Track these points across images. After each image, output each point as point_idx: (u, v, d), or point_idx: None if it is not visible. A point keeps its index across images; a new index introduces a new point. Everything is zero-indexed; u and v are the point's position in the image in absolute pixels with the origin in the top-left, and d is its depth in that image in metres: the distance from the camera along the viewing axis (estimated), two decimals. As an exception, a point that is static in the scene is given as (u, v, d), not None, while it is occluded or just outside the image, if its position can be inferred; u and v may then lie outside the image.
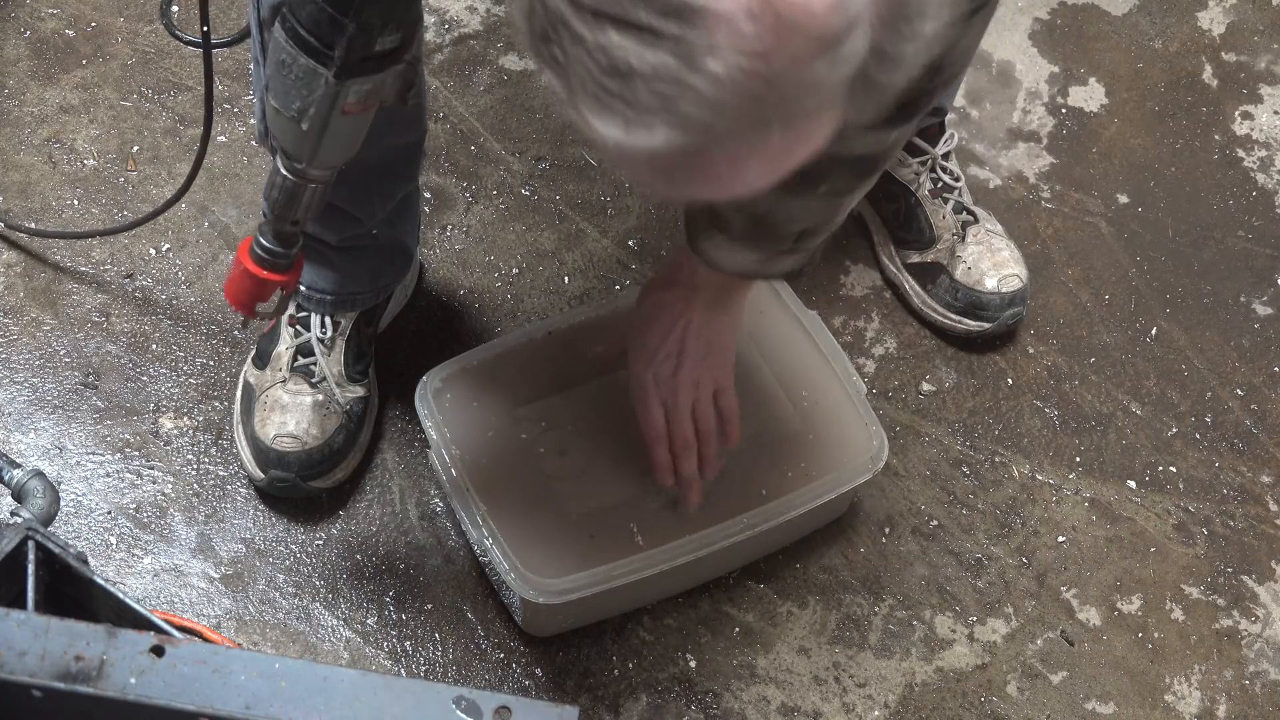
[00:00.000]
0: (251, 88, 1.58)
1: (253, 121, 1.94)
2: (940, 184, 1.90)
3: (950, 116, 2.03)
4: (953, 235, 1.88)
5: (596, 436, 1.68)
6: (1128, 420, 1.85)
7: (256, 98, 1.61)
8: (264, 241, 1.34)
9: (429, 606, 1.66)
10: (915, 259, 1.90)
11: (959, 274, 1.86)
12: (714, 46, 0.81)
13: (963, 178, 1.92)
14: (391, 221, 1.67)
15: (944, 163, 1.90)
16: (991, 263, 1.85)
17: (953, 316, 1.87)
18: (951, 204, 1.89)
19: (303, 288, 1.68)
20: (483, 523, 1.58)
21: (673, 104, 0.83)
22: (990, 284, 1.84)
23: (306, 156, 1.26)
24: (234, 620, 1.64)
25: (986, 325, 1.85)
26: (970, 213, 1.89)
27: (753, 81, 0.82)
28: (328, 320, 1.70)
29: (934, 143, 1.90)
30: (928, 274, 1.89)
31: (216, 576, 1.67)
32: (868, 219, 1.96)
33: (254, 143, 1.95)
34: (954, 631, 1.69)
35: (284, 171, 1.29)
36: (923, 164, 1.90)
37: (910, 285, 1.90)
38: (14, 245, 1.87)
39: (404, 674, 1.62)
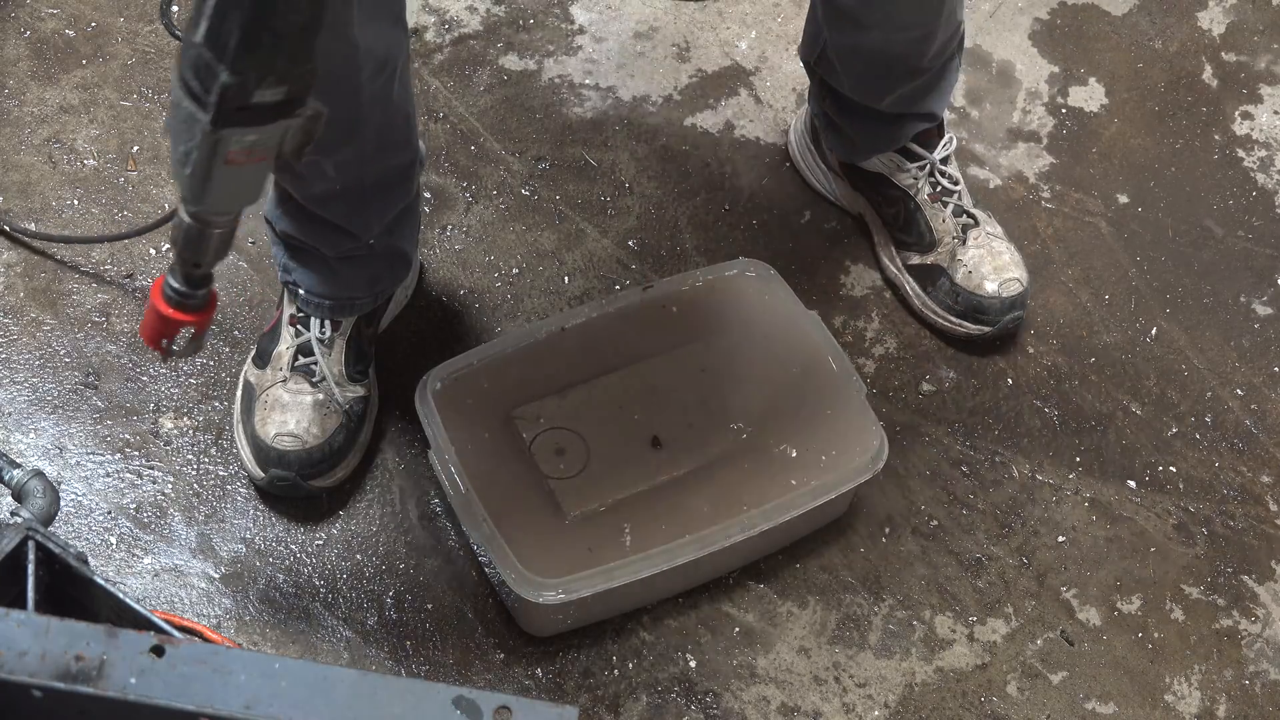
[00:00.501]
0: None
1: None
2: (939, 188, 1.89)
3: (950, 117, 2.03)
4: (953, 239, 1.87)
5: (595, 437, 1.68)
6: (1128, 420, 1.85)
7: None
8: (173, 281, 1.29)
9: (429, 606, 1.66)
10: (916, 261, 1.90)
11: (959, 278, 1.85)
12: None
13: (962, 181, 1.92)
14: (390, 230, 1.67)
15: (943, 167, 1.89)
16: (992, 266, 1.85)
17: (953, 319, 1.87)
18: (951, 207, 1.89)
19: (301, 291, 1.69)
20: (483, 522, 1.58)
21: None
22: (991, 288, 1.84)
23: (194, 201, 1.21)
24: (234, 620, 1.64)
25: (987, 329, 1.85)
26: (970, 215, 1.89)
27: None
28: (326, 322, 1.70)
29: (931, 148, 1.89)
30: (928, 276, 1.88)
31: (216, 576, 1.67)
32: (869, 220, 1.96)
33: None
34: (954, 631, 1.69)
35: (183, 214, 1.23)
36: (921, 169, 1.89)
37: (911, 287, 1.90)
38: (14, 245, 1.87)
39: (404, 674, 1.62)
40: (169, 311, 1.30)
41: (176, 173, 1.19)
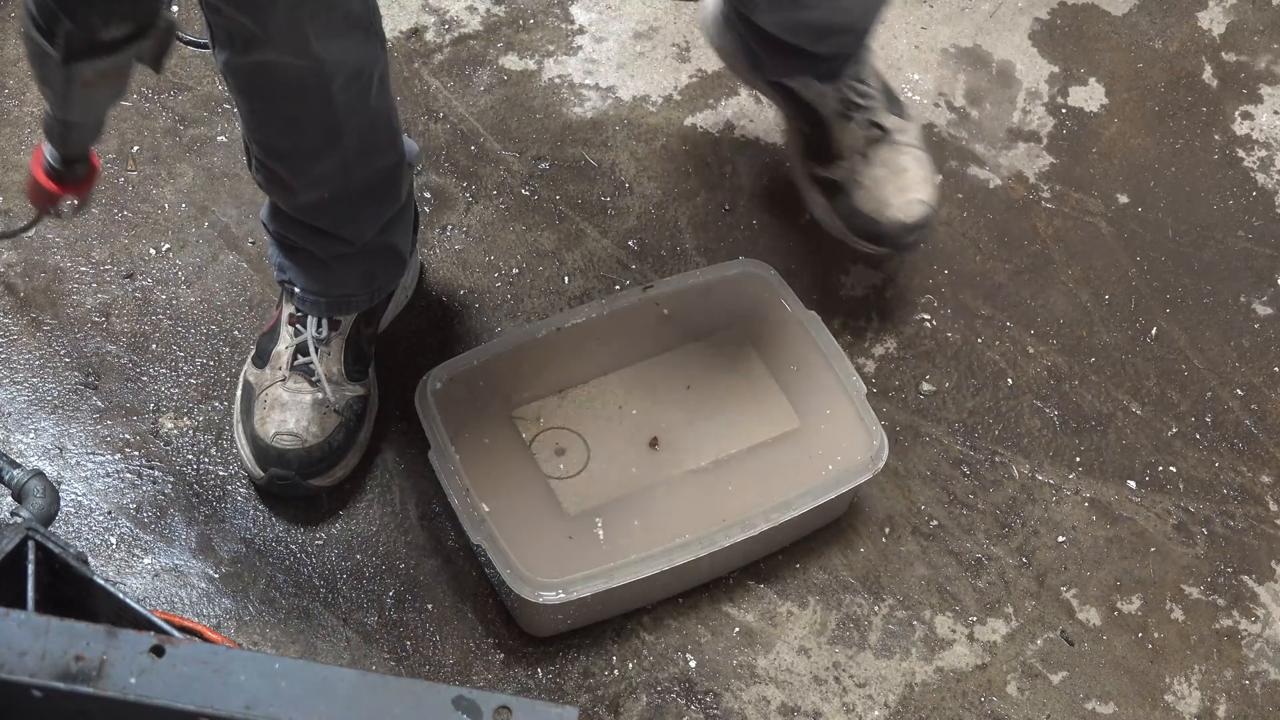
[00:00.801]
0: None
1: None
2: (848, 101, 1.78)
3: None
4: (857, 154, 1.78)
5: (595, 436, 1.68)
6: (1128, 420, 1.85)
7: (242, 134, 1.61)
8: (50, 159, 1.39)
9: (429, 606, 1.66)
10: (821, 173, 1.81)
11: (858, 198, 1.77)
12: None
13: (876, 91, 1.79)
14: (384, 229, 1.67)
15: (853, 82, 1.78)
16: (895, 186, 1.76)
17: (853, 238, 1.81)
18: (857, 120, 1.78)
19: (296, 290, 1.69)
20: (483, 523, 1.58)
21: None
22: (892, 210, 1.76)
23: (61, 113, 1.29)
24: (234, 620, 1.64)
25: (885, 249, 1.81)
26: (879, 127, 1.78)
27: None
28: (324, 321, 1.70)
29: (843, 68, 1.78)
30: (831, 191, 1.80)
31: (216, 576, 1.67)
32: (782, 119, 1.89)
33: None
34: (954, 631, 1.69)
35: (52, 114, 1.31)
36: (831, 85, 1.79)
37: (815, 198, 1.83)
38: (14, 245, 1.87)
39: (404, 674, 1.62)
40: (51, 186, 1.41)
41: (39, 88, 1.26)
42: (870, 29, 1.76)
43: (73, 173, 1.41)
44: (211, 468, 1.74)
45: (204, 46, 2.06)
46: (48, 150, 1.39)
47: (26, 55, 1.22)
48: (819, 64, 1.76)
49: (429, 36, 2.10)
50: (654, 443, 1.69)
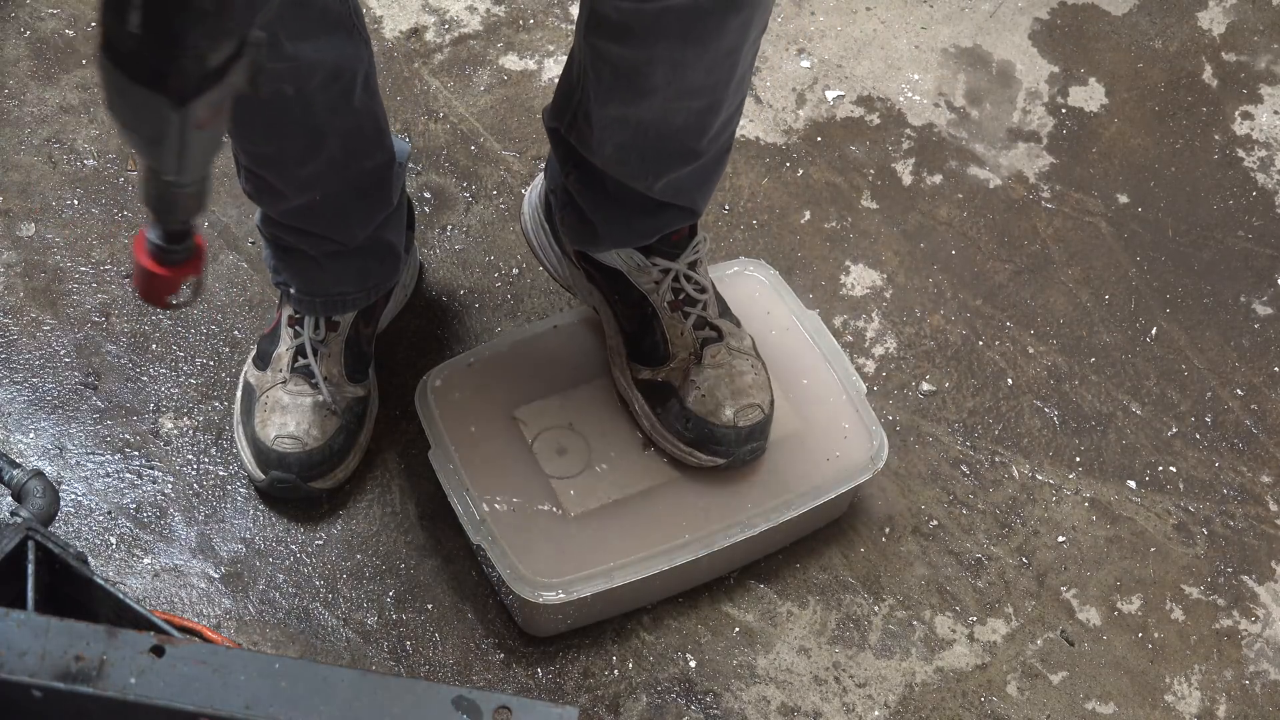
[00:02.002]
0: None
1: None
2: (683, 295, 1.66)
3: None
4: (689, 355, 1.65)
5: (595, 436, 1.68)
6: (1128, 420, 1.85)
7: (231, 145, 1.60)
8: (155, 238, 1.26)
9: (429, 606, 1.66)
10: (647, 376, 1.67)
11: (691, 401, 1.63)
12: None
13: (711, 288, 1.68)
14: (376, 227, 1.67)
15: (689, 272, 1.66)
16: (730, 390, 1.63)
17: (683, 448, 1.64)
18: (693, 319, 1.65)
19: (292, 291, 1.68)
20: (483, 523, 1.58)
21: None
22: (726, 415, 1.62)
23: (172, 171, 1.18)
24: (234, 620, 1.64)
25: (720, 460, 1.63)
26: (714, 328, 1.66)
27: None
28: (321, 322, 1.70)
29: (679, 249, 1.66)
30: (658, 395, 1.66)
31: (216, 576, 1.67)
32: (603, 319, 1.72)
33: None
34: (954, 631, 1.69)
35: (154, 179, 1.21)
36: (665, 273, 1.65)
37: (640, 405, 1.67)
38: (14, 245, 1.87)
39: (404, 674, 1.62)
40: (161, 270, 1.28)
41: (146, 151, 1.17)
42: (708, 173, 1.61)
43: (186, 249, 1.28)
44: (211, 468, 1.74)
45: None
46: (152, 235, 1.27)
47: (120, 127, 1.15)
48: (652, 222, 1.63)
49: (429, 36, 2.10)
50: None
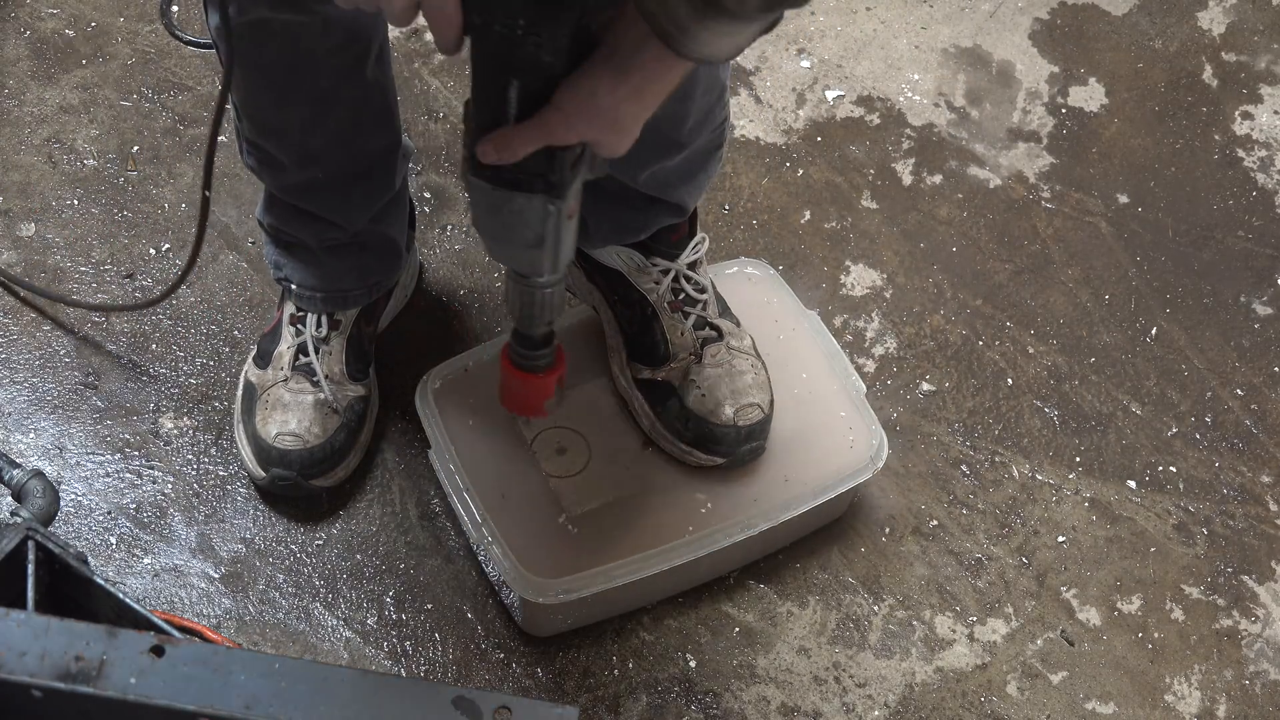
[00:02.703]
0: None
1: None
2: (682, 296, 1.67)
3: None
4: (689, 355, 1.66)
5: (595, 436, 1.68)
6: (1128, 420, 1.85)
7: (232, 127, 1.61)
8: (524, 350, 1.31)
9: (429, 606, 1.66)
10: (647, 375, 1.67)
11: (691, 400, 1.64)
12: None
13: (711, 288, 1.70)
14: (377, 218, 1.67)
15: (689, 272, 1.68)
16: (730, 389, 1.64)
17: (682, 447, 1.64)
18: (693, 319, 1.67)
19: (293, 286, 1.69)
20: (483, 523, 1.58)
21: None
22: (726, 414, 1.63)
23: (548, 271, 1.22)
24: (234, 620, 1.64)
25: (719, 460, 1.64)
26: (714, 328, 1.67)
27: None
28: (324, 319, 1.70)
29: (679, 250, 1.68)
30: (658, 395, 1.67)
31: (216, 576, 1.67)
32: (602, 318, 1.74)
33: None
34: (954, 631, 1.69)
35: (526, 289, 1.24)
36: (664, 273, 1.67)
37: (640, 404, 1.68)
38: (14, 245, 1.87)
39: (404, 674, 1.62)
40: (540, 379, 1.34)
41: (523, 259, 1.21)
42: (694, 169, 1.61)
43: (552, 350, 1.32)
44: (211, 468, 1.74)
45: (205, 46, 2.06)
46: (520, 347, 1.31)
47: (491, 243, 1.19)
48: (642, 218, 1.65)
49: (429, 36, 2.10)
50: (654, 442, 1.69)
